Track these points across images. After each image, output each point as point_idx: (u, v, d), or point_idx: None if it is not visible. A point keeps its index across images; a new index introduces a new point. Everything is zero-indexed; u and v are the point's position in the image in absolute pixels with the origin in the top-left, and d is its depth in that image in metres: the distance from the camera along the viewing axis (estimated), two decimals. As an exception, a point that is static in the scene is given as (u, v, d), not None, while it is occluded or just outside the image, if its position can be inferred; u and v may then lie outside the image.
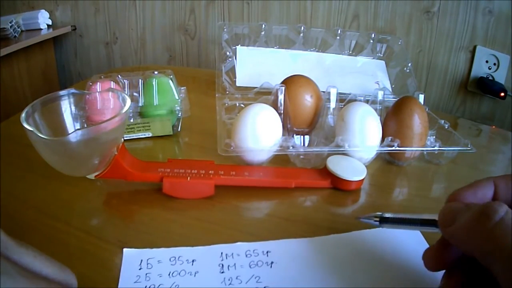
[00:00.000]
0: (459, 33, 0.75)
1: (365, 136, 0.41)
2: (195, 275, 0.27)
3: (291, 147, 0.39)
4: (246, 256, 0.29)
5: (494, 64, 0.73)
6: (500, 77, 0.73)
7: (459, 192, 0.25)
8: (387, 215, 0.27)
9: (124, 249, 0.29)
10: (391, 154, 0.43)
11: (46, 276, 0.21)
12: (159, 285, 0.27)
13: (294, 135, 0.44)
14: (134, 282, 0.27)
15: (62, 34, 1.13)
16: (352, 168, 0.38)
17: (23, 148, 0.40)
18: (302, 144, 0.45)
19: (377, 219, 0.27)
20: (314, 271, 0.28)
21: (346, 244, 0.31)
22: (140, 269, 0.28)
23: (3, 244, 0.20)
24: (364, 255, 0.30)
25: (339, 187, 0.38)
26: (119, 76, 0.47)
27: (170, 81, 0.47)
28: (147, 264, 0.28)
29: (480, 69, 0.74)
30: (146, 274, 0.27)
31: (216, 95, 0.48)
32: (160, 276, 0.27)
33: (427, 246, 0.30)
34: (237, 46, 0.59)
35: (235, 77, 0.55)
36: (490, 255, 0.20)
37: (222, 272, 0.28)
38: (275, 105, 0.43)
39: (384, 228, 0.27)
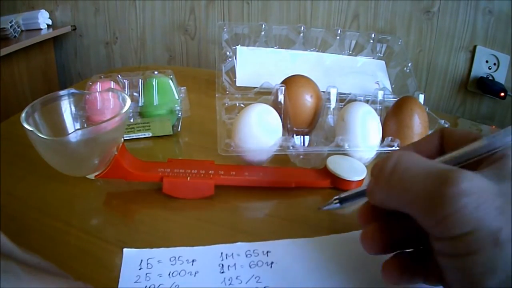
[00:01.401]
0: (459, 33, 0.75)
1: (365, 136, 0.41)
2: (195, 275, 0.27)
3: (291, 147, 0.39)
4: (246, 256, 0.29)
5: (494, 64, 0.73)
6: (500, 77, 0.73)
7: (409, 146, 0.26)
8: (343, 195, 0.29)
9: (124, 249, 0.29)
10: (391, 154, 0.43)
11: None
12: (159, 285, 0.27)
13: (294, 135, 0.44)
14: (134, 282, 0.27)
15: (62, 34, 1.13)
16: (352, 168, 0.38)
17: (23, 148, 0.40)
18: (302, 144, 0.45)
19: (337, 201, 0.29)
20: (314, 271, 0.28)
21: (346, 244, 0.31)
22: (140, 269, 0.28)
23: (9, 248, 0.20)
24: (364, 255, 0.30)
25: (339, 187, 0.38)
26: (119, 76, 0.47)
27: (170, 81, 0.47)
28: (147, 264, 0.28)
29: (480, 69, 0.74)
30: (146, 274, 0.27)
31: (216, 95, 0.48)
32: (160, 276, 0.27)
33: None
34: (237, 46, 0.59)
35: (235, 77, 0.55)
36: (398, 203, 0.21)
37: (222, 272, 0.28)
38: (275, 105, 0.43)
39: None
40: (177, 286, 0.26)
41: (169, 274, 0.27)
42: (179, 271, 0.28)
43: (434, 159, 0.23)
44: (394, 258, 0.24)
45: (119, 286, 0.26)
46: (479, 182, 0.19)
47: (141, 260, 0.29)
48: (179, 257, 0.29)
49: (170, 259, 0.29)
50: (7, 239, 0.21)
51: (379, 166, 0.22)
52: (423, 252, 0.24)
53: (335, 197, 0.29)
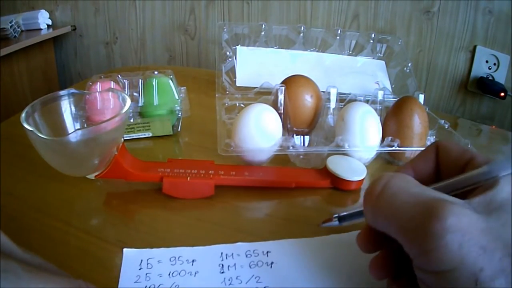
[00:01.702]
0: (459, 33, 0.75)
1: (365, 136, 0.41)
2: (195, 275, 0.27)
3: (291, 147, 0.39)
4: (246, 256, 0.29)
5: (494, 64, 0.73)
6: (500, 77, 0.73)
7: (410, 163, 0.26)
8: (342, 214, 0.29)
9: (124, 249, 0.29)
10: (391, 154, 0.43)
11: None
12: (159, 285, 0.26)
13: (294, 135, 0.44)
14: (134, 282, 0.27)
15: (62, 34, 1.13)
16: (352, 168, 0.38)
17: (23, 148, 0.40)
18: (302, 144, 0.45)
19: (336, 219, 0.30)
20: (314, 271, 0.28)
21: (346, 244, 0.31)
22: (140, 269, 0.28)
23: (9, 248, 0.20)
24: (363, 255, 0.30)
25: (339, 187, 0.38)
26: (119, 76, 0.47)
27: (170, 81, 0.47)
28: (147, 264, 0.28)
29: (480, 69, 0.74)
30: (146, 274, 0.27)
31: (216, 95, 0.48)
32: (160, 276, 0.27)
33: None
34: (237, 46, 0.59)
35: (235, 77, 0.55)
36: (385, 227, 0.21)
37: (222, 272, 0.28)
38: (275, 105, 0.43)
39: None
40: (177, 286, 0.26)
41: (169, 274, 0.27)
42: (179, 271, 0.28)
43: (430, 184, 0.22)
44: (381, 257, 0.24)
45: (119, 286, 0.26)
46: (465, 218, 0.18)
47: (141, 260, 0.29)
48: (179, 257, 0.29)
49: (170, 259, 0.29)
50: (7, 239, 0.21)
51: (369, 188, 0.22)
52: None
53: (335, 215, 0.30)
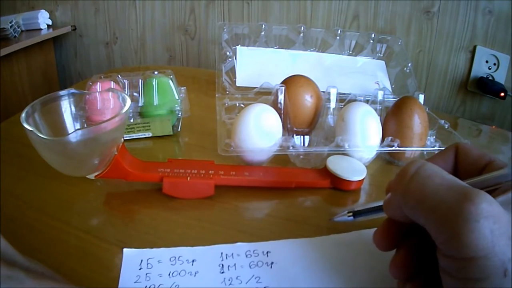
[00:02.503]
0: (459, 33, 0.75)
1: (365, 136, 0.41)
2: (195, 275, 0.27)
3: (291, 147, 0.39)
4: (246, 256, 0.29)
5: (494, 64, 0.73)
6: (500, 77, 0.73)
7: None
8: (357, 208, 0.29)
9: (124, 249, 0.29)
10: (391, 154, 0.43)
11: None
12: (159, 285, 0.26)
13: (294, 135, 0.44)
14: (134, 282, 0.27)
15: (62, 34, 1.13)
16: (352, 168, 0.38)
17: (23, 148, 0.40)
18: (302, 144, 0.45)
19: (351, 214, 0.29)
20: (314, 271, 0.28)
21: (346, 244, 0.31)
22: (140, 269, 0.28)
23: (13, 257, 0.20)
24: (364, 255, 0.30)
25: (339, 187, 0.38)
26: (119, 76, 0.47)
27: (170, 81, 0.47)
28: (147, 264, 0.28)
29: (480, 69, 0.74)
30: (146, 274, 0.27)
31: (216, 95, 0.48)
32: (160, 276, 0.27)
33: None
34: (237, 46, 0.59)
35: (235, 77, 0.55)
36: (416, 210, 0.21)
37: (222, 272, 0.28)
38: (275, 105, 0.43)
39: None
40: (177, 286, 0.26)
41: (169, 274, 0.27)
42: (179, 271, 0.28)
43: None
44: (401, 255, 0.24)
45: (119, 286, 0.26)
46: (497, 207, 0.18)
47: (141, 260, 0.29)
48: (179, 257, 0.29)
49: (170, 259, 0.29)
50: (10, 247, 0.21)
51: (401, 172, 0.22)
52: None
53: (348, 210, 0.29)
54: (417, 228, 0.22)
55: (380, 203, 0.25)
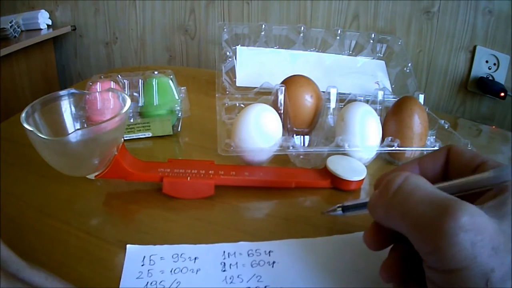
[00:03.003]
0: (459, 33, 0.75)
1: (365, 136, 0.41)
2: (196, 273, 0.28)
3: (291, 147, 0.39)
4: (248, 255, 0.29)
5: (494, 64, 0.73)
6: (500, 77, 0.73)
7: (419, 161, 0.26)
8: (346, 203, 0.29)
9: (128, 245, 0.30)
10: (391, 154, 0.43)
11: None
12: (161, 281, 0.27)
13: (294, 135, 0.44)
14: (136, 278, 0.27)
15: (62, 34, 1.13)
16: (352, 168, 0.38)
17: (23, 148, 0.40)
18: (302, 144, 0.45)
19: (340, 208, 0.30)
20: (316, 271, 0.28)
21: (347, 245, 0.31)
22: (142, 265, 0.28)
23: (15, 265, 0.20)
24: (365, 256, 0.30)
25: (339, 187, 0.38)
26: (119, 76, 0.47)
27: (170, 81, 0.47)
28: (150, 260, 0.28)
29: (480, 69, 0.74)
30: (148, 270, 0.28)
31: (216, 95, 0.48)
32: (162, 273, 0.27)
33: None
34: (237, 46, 0.59)
35: (235, 77, 0.55)
36: (399, 224, 0.21)
37: (224, 271, 0.28)
38: (275, 105, 0.43)
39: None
40: (178, 283, 0.27)
41: (171, 271, 0.28)
42: (181, 268, 0.28)
43: (438, 182, 0.23)
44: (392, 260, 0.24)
45: (121, 281, 0.26)
46: (479, 218, 0.18)
47: (144, 257, 0.29)
48: (181, 254, 0.29)
49: (172, 256, 0.29)
50: (13, 254, 0.21)
51: (384, 184, 0.22)
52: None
53: (339, 205, 0.30)
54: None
55: (367, 200, 0.25)
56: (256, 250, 0.30)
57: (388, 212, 0.22)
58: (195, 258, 0.29)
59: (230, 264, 0.28)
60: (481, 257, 0.18)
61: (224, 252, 0.29)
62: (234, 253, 0.29)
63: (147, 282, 0.26)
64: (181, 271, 0.28)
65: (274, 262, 0.29)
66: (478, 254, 0.18)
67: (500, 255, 0.18)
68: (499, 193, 0.21)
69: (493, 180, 0.21)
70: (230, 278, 0.27)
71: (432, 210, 0.19)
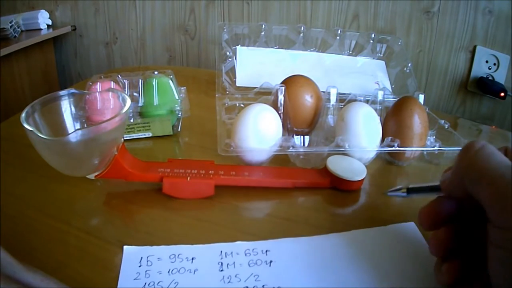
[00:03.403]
0: (459, 33, 0.75)
1: (365, 136, 0.41)
2: (194, 273, 0.28)
3: (291, 147, 0.39)
4: (246, 255, 0.29)
5: (494, 64, 0.73)
6: (500, 77, 0.73)
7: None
8: (411, 185, 0.30)
9: (124, 247, 0.30)
10: (391, 154, 0.43)
11: None
12: (158, 282, 0.27)
13: (294, 135, 0.44)
14: (134, 279, 0.27)
15: (62, 34, 1.13)
16: (352, 168, 0.38)
17: (23, 148, 0.40)
18: (302, 144, 0.45)
19: (405, 190, 0.30)
20: (313, 270, 0.28)
21: (345, 243, 0.31)
22: (140, 266, 0.28)
23: (12, 267, 0.21)
24: (363, 254, 0.30)
25: (339, 187, 0.38)
26: (119, 76, 0.47)
27: (170, 81, 0.47)
28: (147, 261, 0.28)
29: (480, 69, 0.74)
30: (146, 271, 0.28)
31: (216, 95, 0.48)
32: (160, 273, 0.27)
33: (426, 244, 0.30)
34: (237, 46, 0.59)
35: (235, 77, 0.55)
36: (476, 182, 0.22)
37: (221, 270, 0.28)
38: (275, 105, 0.43)
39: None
40: (176, 284, 0.27)
41: (168, 272, 0.28)
42: (178, 268, 0.28)
43: None
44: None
45: (118, 283, 0.26)
46: None
47: (141, 258, 0.29)
48: (178, 255, 0.29)
49: (170, 257, 0.29)
50: (8, 256, 0.21)
51: (465, 147, 0.24)
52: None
53: (403, 186, 0.30)
54: (463, 211, 0.24)
55: (435, 183, 0.27)
56: (253, 249, 0.30)
57: (469, 170, 0.23)
58: (193, 259, 0.29)
59: (228, 264, 0.28)
60: None
61: (221, 252, 0.29)
62: (231, 252, 0.29)
63: (145, 283, 0.26)
64: (179, 271, 0.28)
65: (271, 261, 0.29)
66: None
67: None
68: None
69: None
70: (228, 278, 0.27)
71: (510, 173, 0.21)
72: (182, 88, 0.50)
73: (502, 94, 0.70)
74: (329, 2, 0.83)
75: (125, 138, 0.45)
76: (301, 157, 0.41)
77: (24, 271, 0.21)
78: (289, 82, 0.45)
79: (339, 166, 0.38)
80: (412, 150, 0.42)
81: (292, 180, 0.38)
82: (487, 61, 0.73)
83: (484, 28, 0.72)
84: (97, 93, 0.41)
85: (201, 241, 0.30)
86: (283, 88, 0.43)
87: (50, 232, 0.31)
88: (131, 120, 0.46)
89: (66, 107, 0.36)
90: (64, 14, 1.14)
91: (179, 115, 0.48)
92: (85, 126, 0.37)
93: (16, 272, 0.21)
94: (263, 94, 0.45)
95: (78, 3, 1.11)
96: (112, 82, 0.45)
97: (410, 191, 0.30)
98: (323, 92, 0.46)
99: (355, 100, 0.44)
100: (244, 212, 0.36)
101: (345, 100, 0.47)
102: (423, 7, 0.76)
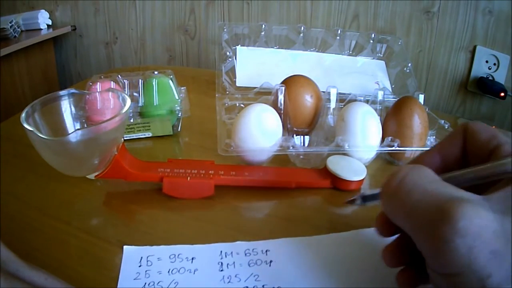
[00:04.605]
0: (459, 33, 0.75)
1: (365, 136, 0.41)
2: (194, 273, 0.28)
3: (291, 147, 0.39)
4: (245, 254, 0.29)
5: (494, 64, 0.73)
6: (500, 77, 0.73)
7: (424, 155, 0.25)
8: (367, 193, 0.29)
9: (124, 246, 0.30)
10: (391, 154, 0.43)
11: None
12: (158, 282, 0.27)
13: (294, 135, 0.44)
14: (134, 279, 0.27)
15: (62, 34, 1.13)
16: (352, 168, 0.38)
17: (23, 148, 0.40)
18: (302, 144, 0.45)
19: (359, 199, 0.29)
20: (313, 270, 0.28)
21: (345, 243, 0.31)
22: (140, 266, 0.28)
23: (15, 265, 0.21)
24: (362, 254, 0.30)
25: (339, 187, 0.38)
26: (119, 76, 0.47)
27: (170, 81, 0.47)
28: (147, 261, 0.28)
29: (480, 69, 0.74)
30: (145, 271, 0.27)
31: (216, 95, 0.48)
32: (160, 273, 0.27)
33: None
34: (237, 46, 0.59)
35: (235, 77, 0.55)
36: (402, 222, 0.21)
37: (221, 270, 0.28)
38: (275, 105, 0.43)
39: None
40: (176, 284, 0.27)
41: (168, 272, 0.28)
42: (178, 268, 0.28)
43: (452, 172, 0.22)
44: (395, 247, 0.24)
45: (118, 283, 0.26)
46: (478, 221, 0.18)
47: (141, 257, 0.29)
48: (178, 255, 0.29)
49: (169, 257, 0.29)
50: (12, 254, 0.21)
51: (385, 183, 0.22)
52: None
53: (359, 194, 0.30)
54: None
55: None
56: (253, 249, 0.30)
57: (392, 211, 0.22)
58: (192, 258, 0.29)
59: (228, 264, 0.28)
60: (477, 263, 0.17)
61: (221, 252, 0.29)
62: (231, 252, 0.29)
63: (145, 283, 0.26)
64: (179, 271, 0.28)
65: (271, 261, 0.29)
66: (474, 259, 0.17)
67: (499, 259, 0.17)
68: (509, 183, 0.19)
69: (507, 167, 0.20)
70: (228, 278, 0.27)
71: (429, 213, 0.19)
72: (182, 88, 0.50)
73: (502, 94, 0.70)
74: (329, 2, 0.83)
75: (125, 138, 0.45)
76: (301, 157, 0.41)
77: (28, 269, 0.21)
78: (289, 82, 0.45)
79: (339, 166, 0.38)
80: (412, 150, 0.42)
81: (292, 180, 0.38)
82: (487, 61, 0.73)
83: (484, 28, 0.72)
84: (97, 93, 0.41)
85: (201, 241, 0.30)
86: (283, 88, 0.43)
87: (50, 232, 0.31)
88: (131, 120, 0.46)
89: (66, 107, 0.36)
90: (64, 14, 1.14)
91: (179, 115, 0.48)
92: (85, 126, 0.37)
93: (19, 270, 0.21)
94: (263, 94, 0.45)
95: (78, 3, 1.11)
96: (112, 82, 0.45)
97: (364, 199, 0.29)
98: (323, 92, 0.46)
99: (355, 100, 0.44)
100: (244, 212, 0.36)
101: (345, 100, 0.47)
102: (423, 7, 0.76)
